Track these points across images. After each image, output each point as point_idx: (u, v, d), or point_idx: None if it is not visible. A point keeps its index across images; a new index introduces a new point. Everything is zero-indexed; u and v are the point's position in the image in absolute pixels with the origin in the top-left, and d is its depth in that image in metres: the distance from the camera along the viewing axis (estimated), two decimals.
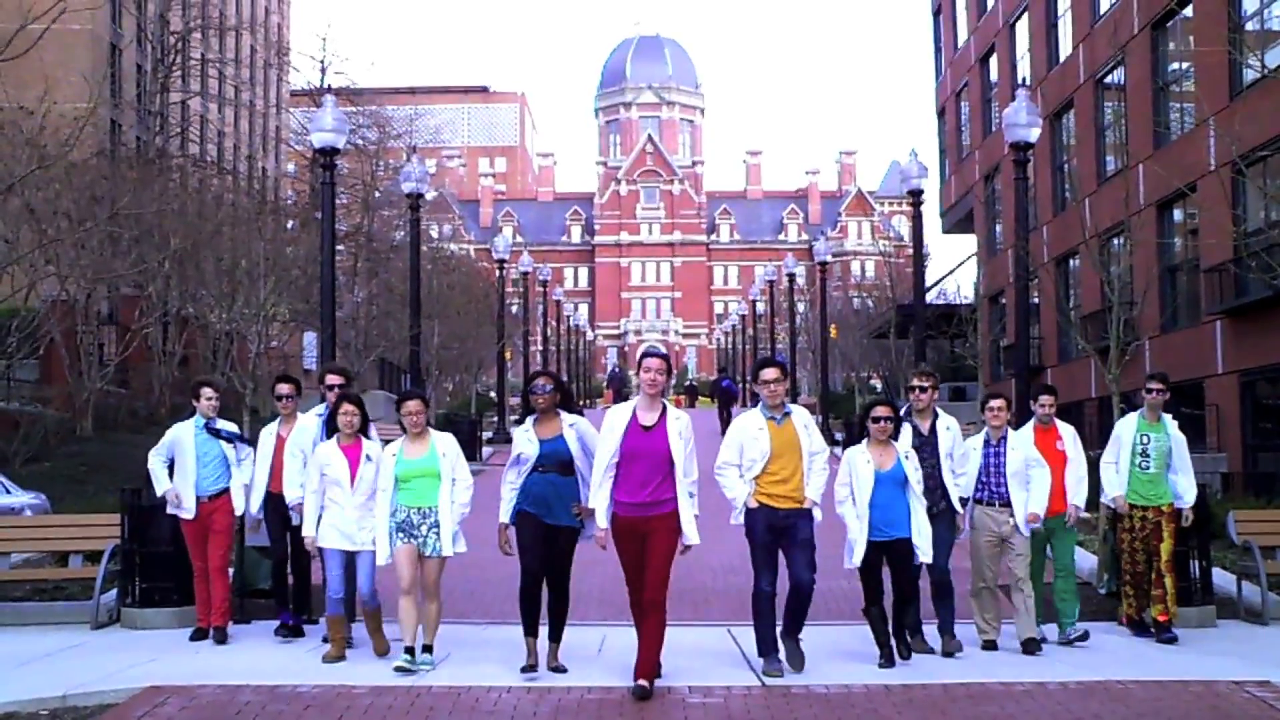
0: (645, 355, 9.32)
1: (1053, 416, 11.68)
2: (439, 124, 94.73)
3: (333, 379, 11.46)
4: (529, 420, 9.71)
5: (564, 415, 9.64)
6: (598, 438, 9.40)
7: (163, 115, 52.96)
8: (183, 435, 11.36)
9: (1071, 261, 35.46)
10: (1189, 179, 24.95)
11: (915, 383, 11.03)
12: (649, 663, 8.90)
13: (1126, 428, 11.64)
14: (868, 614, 10.11)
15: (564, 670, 9.47)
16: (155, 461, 11.41)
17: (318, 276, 22.86)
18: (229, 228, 33.29)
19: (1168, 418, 11.72)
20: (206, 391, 11.52)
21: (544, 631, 9.60)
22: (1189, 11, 28.70)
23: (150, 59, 54.80)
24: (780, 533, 9.49)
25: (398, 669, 9.42)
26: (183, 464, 11.24)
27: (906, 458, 10.12)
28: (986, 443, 11.00)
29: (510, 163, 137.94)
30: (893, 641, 10.06)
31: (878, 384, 54.40)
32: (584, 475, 9.49)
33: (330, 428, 10.47)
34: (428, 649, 9.65)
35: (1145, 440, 11.50)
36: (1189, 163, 26.36)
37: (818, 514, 9.60)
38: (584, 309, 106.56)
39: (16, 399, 27.53)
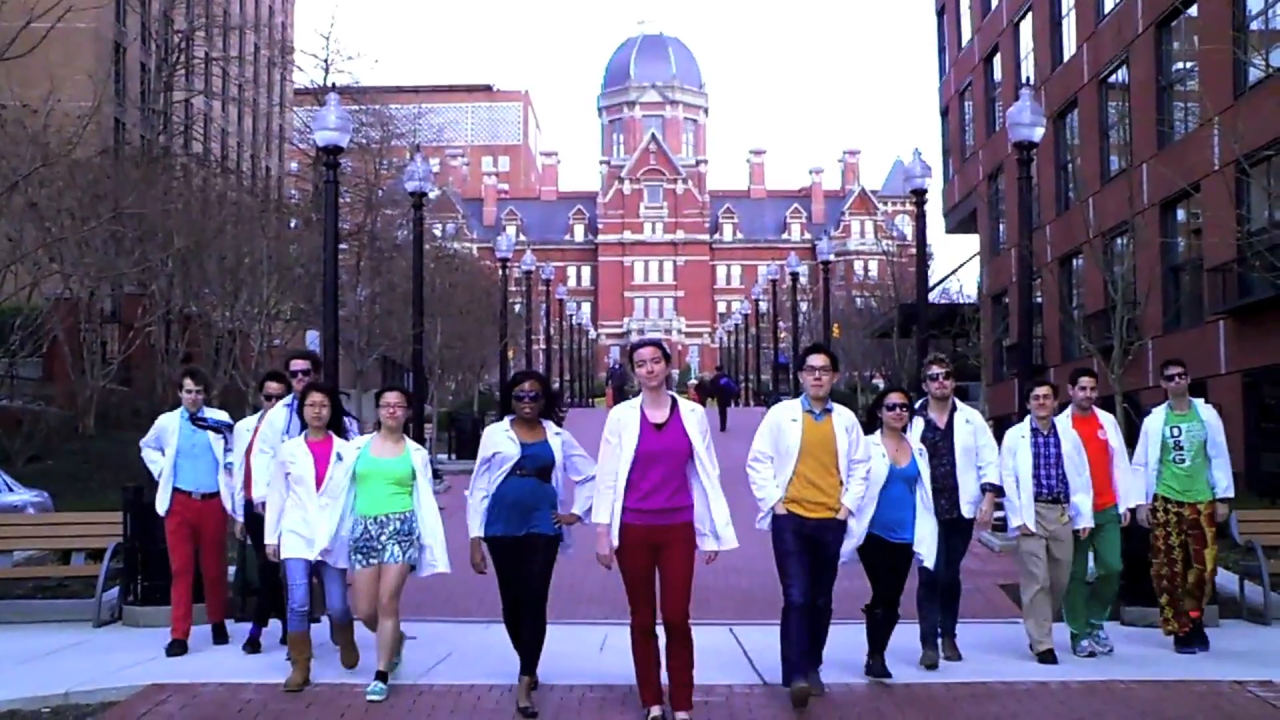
0: (637, 346, 8.14)
1: (1093, 402, 10.87)
2: (442, 122, 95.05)
3: (298, 364, 10.47)
4: (506, 420, 8.80)
5: (549, 425, 8.75)
6: (581, 454, 8.70)
7: (166, 114, 53.02)
8: (168, 425, 10.71)
9: (1075, 261, 35.45)
10: (1193, 179, 24.94)
11: (934, 370, 10.15)
12: (686, 688, 7.99)
13: (1154, 421, 10.82)
14: (868, 613, 9.47)
15: (534, 715, 8.28)
16: (147, 451, 10.87)
17: (321, 275, 22.88)
18: (232, 226, 33.34)
19: (1198, 403, 10.93)
20: (187, 383, 10.75)
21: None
22: (1193, 11, 28.69)
23: (154, 57, 54.82)
24: (809, 542, 8.60)
25: (371, 700, 8.55)
26: (168, 456, 10.63)
27: (921, 455, 9.40)
28: (1035, 433, 10.23)
29: (514, 161, 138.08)
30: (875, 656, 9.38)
31: (880, 383, 54.36)
32: (562, 489, 8.71)
33: (304, 421, 9.44)
34: (382, 676, 8.68)
35: (1176, 431, 10.69)
36: (1193, 162, 26.34)
37: (854, 525, 8.76)
38: (587, 308, 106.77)
39: (20, 397, 27.54)
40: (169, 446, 10.62)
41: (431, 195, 29.62)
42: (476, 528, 8.60)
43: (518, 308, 55.37)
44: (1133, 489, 10.66)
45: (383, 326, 36.37)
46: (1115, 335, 20.92)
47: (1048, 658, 9.98)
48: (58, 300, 28.70)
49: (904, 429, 9.40)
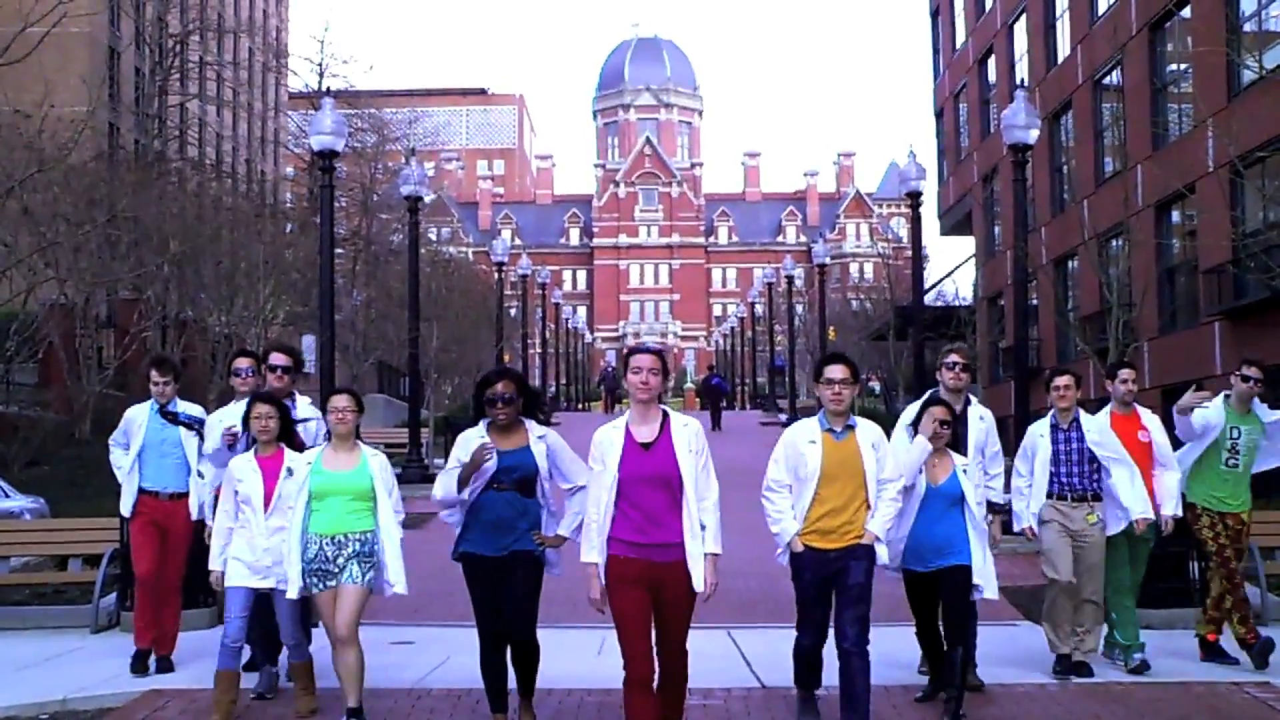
0: (633, 352, 7.08)
1: (1134, 396, 10.08)
2: (437, 126, 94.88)
3: (277, 358, 9.42)
4: (481, 424, 7.79)
5: (530, 425, 7.84)
6: (571, 457, 7.81)
7: (161, 118, 53.04)
8: (136, 417, 9.88)
9: (1070, 263, 35.49)
10: (1187, 180, 24.98)
11: (951, 359, 9.27)
12: None
13: (1215, 416, 9.92)
14: (936, 657, 8.74)
15: None
16: (115, 452, 9.98)
17: (316, 279, 22.90)
18: (228, 231, 33.40)
19: (1261, 404, 10.09)
20: (154, 374, 9.85)
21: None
22: (1187, 12, 28.73)
23: (148, 62, 54.86)
24: (832, 578, 7.65)
25: None
26: (132, 451, 9.82)
27: (965, 472, 8.59)
28: (1055, 428, 9.54)
29: (509, 165, 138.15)
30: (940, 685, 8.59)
31: (876, 386, 54.41)
32: (548, 499, 7.87)
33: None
34: (355, 713, 7.94)
35: (1236, 434, 9.92)
36: (1187, 164, 26.37)
37: (881, 552, 7.74)
38: (582, 311, 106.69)
39: (15, 403, 27.54)
40: (135, 441, 9.82)
41: (427, 199, 29.55)
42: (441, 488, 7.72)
43: (513, 311, 55.37)
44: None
45: (379, 331, 36.41)
46: (1111, 337, 20.90)
47: (1064, 664, 9.41)
48: (53, 305, 28.70)
49: (948, 444, 8.63)
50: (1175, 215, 30.19)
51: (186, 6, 58.23)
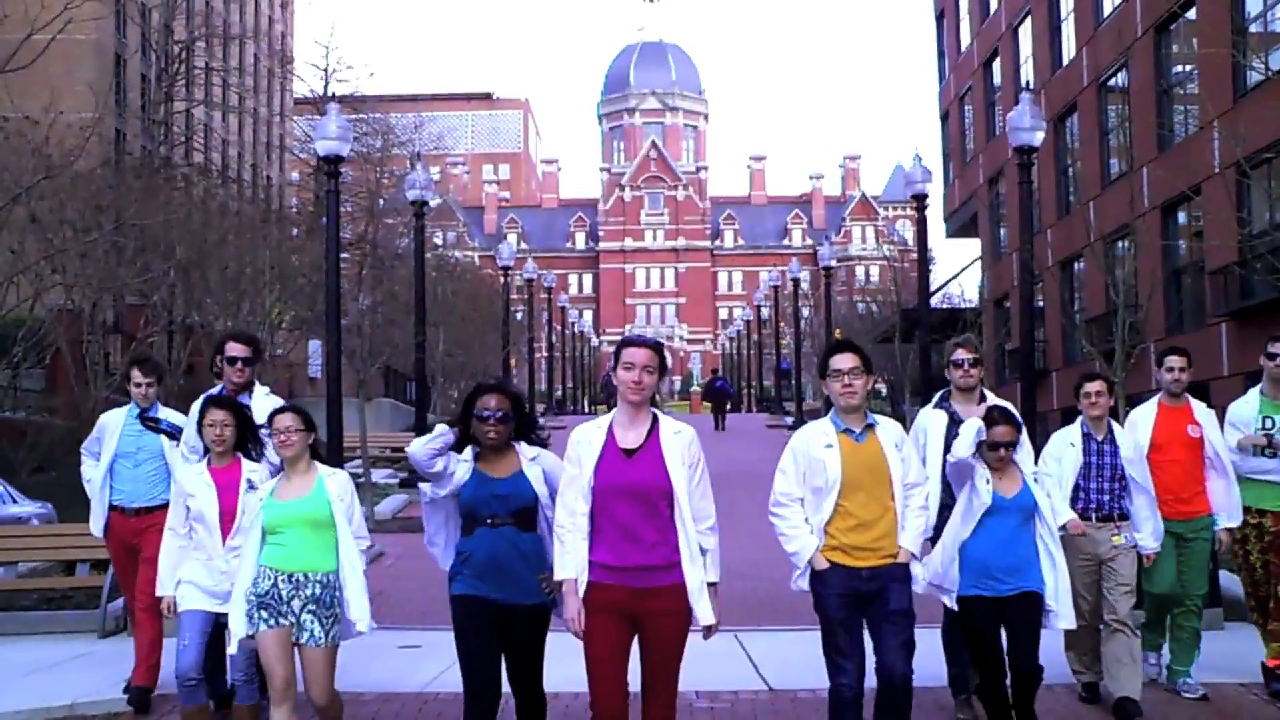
0: (626, 344, 6.12)
1: (1184, 387, 9.03)
2: (442, 131, 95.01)
3: (235, 349, 8.45)
4: (468, 451, 6.55)
5: (522, 448, 6.65)
6: None
7: (167, 124, 53.19)
8: (110, 423, 8.89)
9: (1076, 264, 35.50)
10: (1193, 181, 24.97)
11: (959, 355, 8.26)
12: None
13: (1245, 410, 9.04)
14: (983, 695, 7.71)
15: None
16: (87, 463, 8.99)
17: (322, 284, 22.89)
18: (234, 236, 33.44)
19: None
20: (135, 374, 8.84)
21: None
22: (1192, 14, 28.76)
23: (154, 68, 54.99)
24: (864, 601, 6.59)
25: None
26: (103, 461, 8.86)
27: (1036, 481, 7.66)
28: (1088, 437, 8.55)
29: (514, 169, 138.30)
30: None
31: (882, 388, 54.38)
32: (551, 529, 6.61)
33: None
34: None
35: (1270, 423, 8.90)
36: (1193, 165, 26.37)
37: (918, 572, 6.75)
38: (588, 315, 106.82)
39: (23, 408, 27.58)
40: (106, 449, 8.82)
41: (432, 204, 29.64)
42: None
43: (519, 316, 55.41)
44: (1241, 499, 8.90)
45: (385, 335, 36.41)
46: (1117, 338, 20.94)
47: (1092, 691, 8.75)
48: (60, 311, 28.73)
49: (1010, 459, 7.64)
50: (1181, 217, 30.18)
51: (192, 13, 58.41)
